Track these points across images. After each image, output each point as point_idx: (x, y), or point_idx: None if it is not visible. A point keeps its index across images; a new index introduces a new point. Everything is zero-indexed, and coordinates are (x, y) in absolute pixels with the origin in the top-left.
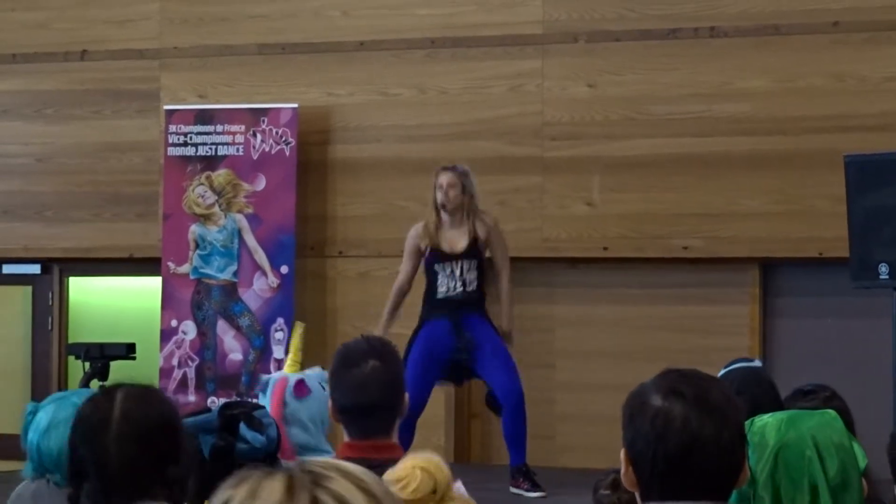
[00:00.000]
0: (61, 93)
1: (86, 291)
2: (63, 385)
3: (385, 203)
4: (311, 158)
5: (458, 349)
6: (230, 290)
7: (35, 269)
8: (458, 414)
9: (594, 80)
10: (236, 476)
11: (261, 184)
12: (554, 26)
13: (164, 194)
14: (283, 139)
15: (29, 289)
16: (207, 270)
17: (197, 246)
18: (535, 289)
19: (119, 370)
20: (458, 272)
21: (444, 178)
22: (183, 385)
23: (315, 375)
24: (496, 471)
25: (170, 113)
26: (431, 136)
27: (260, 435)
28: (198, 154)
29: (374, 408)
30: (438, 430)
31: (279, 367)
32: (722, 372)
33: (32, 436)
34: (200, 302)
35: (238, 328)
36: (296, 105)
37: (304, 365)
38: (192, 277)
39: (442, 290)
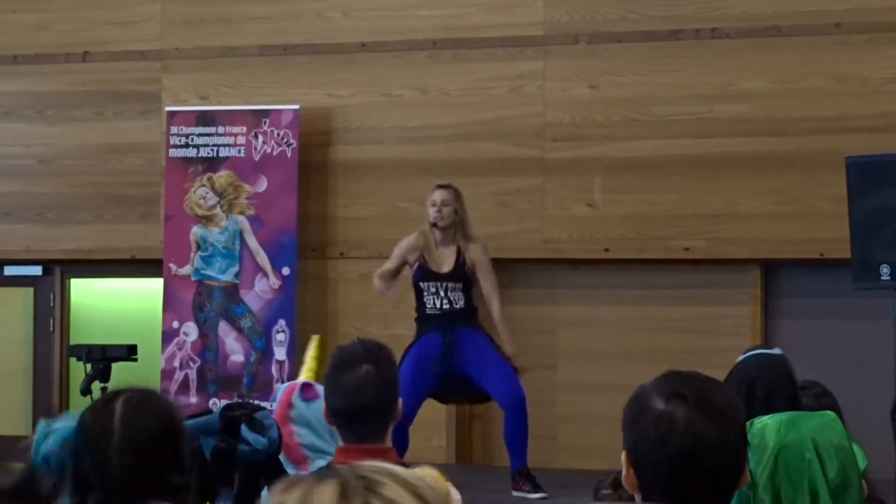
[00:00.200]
0: (63, 94)
1: (87, 293)
2: (65, 387)
3: (386, 204)
4: (313, 160)
5: (446, 363)
6: (232, 291)
7: (36, 270)
8: (460, 415)
9: (595, 81)
10: (285, 481)
11: (262, 185)
12: (555, 27)
13: (166, 196)
14: (285, 140)
15: (30, 290)
16: (209, 272)
17: (198, 247)
18: (536, 290)
19: (120, 372)
20: (442, 291)
21: (439, 195)
22: (184, 386)
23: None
24: (497, 472)
25: (171, 114)
26: (433, 138)
27: (261, 437)
28: (199, 155)
29: (367, 412)
30: (440, 432)
31: (280, 369)
32: (740, 358)
33: (44, 456)
34: (202, 303)
35: (239, 330)
36: (297, 106)
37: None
38: (193, 279)
39: (429, 305)
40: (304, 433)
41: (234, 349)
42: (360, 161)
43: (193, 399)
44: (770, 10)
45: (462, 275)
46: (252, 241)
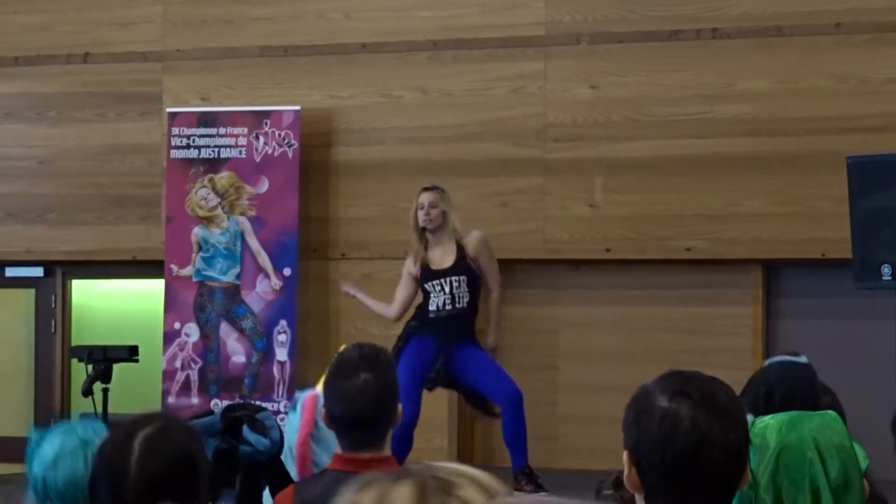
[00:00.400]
0: (64, 95)
1: (89, 294)
2: (66, 388)
3: (388, 205)
4: (314, 160)
5: (439, 370)
6: (233, 292)
7: (38, 271)
8: (461, 416)
9: (596, 81)
10: (359, 480)
11: (263, 186)
12: (556, 28)
13: (167, 197)
14: (286, 141)
15: (32, 291)
16: (210, 273)
17: (200, 248)
18: (537, 290)
19: (122, 373)
20: (447, 288)
21: (426, 198)
22: (186, 387)
23: None
24: (499, 472)
25: (172, 115)
26: (434, 138)
27: (263, 437)
28: (200, 156)
29: (364, 421)
30: (441, 432)
31: (282, 370)
32: (765, 363)
33: (37, 468)
34: (203, 304)
35: (241, 330)
36: (298, 107)
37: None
38: (194, 280)
39: (432, 308)
40: (319, 452)
41: (236, 350)
42: (362, 162)
43: (195, 400)
44: (771, 10)
45: (465, 267)
46: (253, 242)
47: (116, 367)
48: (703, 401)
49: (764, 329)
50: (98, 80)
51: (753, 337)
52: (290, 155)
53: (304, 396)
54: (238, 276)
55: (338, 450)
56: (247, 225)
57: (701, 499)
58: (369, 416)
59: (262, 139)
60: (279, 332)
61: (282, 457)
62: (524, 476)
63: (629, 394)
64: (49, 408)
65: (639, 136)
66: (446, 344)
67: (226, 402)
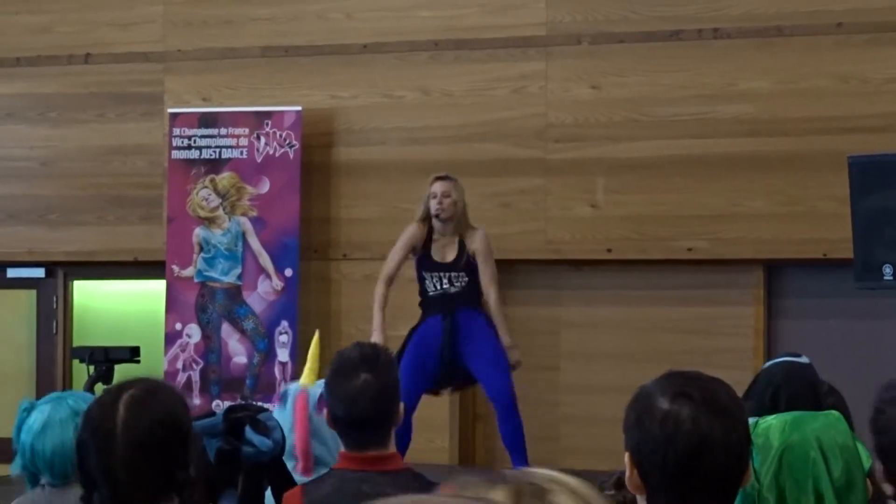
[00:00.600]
0: (65, 96)
1: (90, 295)
2: (67, 388)
3: (389, 205)
4: (315, 161)
5: (446, 343)
6: (234, 293)
7: (39, 272)
8: (463, 416)
9: (597, 81)
10: (454, 483)
11: (265, 187)
12: (557, 28)
13: (168, 197)
14: (287, 142)
15: (33, 292)
16: (212, 273)
17: (201, 249)
18: (539, 291)
19: (123, 374)
20: (445, 281)
21: (440, 187)
22: (187, 388)
23: None
24: None
25: (174, 116)
26: (435, 139)
27: (266, 438)
28: (202, 157)
29: (366, 421)
30: (443, 433)
31: (283, 371)
32: (767, 364)
33: (25, 436)
34: (205, 305)
35: (242, 331)
36: (299, 108)
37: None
38: (196, 280)
39: (431, 290)
40: (317, 445)
41: (237, 351)
42: (363, 162)
43: (196, 401)
44: (771, 10)
45: (466, 265)
46: (255, 243)
47: (118, 368)
48: (704, 401)
49: (765, 329)
50: (99, 80)
51: (755, 337)
52: (292, 155)
53: (293, 393)
54: (239, 277)
55: (342, 448)
56: (248, 225)
57: (702, 499)
58: (370, 416)
59: (263, 140)
60: (280, 333)
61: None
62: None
63: (630, 394)
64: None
65: (640, 136)
66: (451, 314)
67: (227, 403)
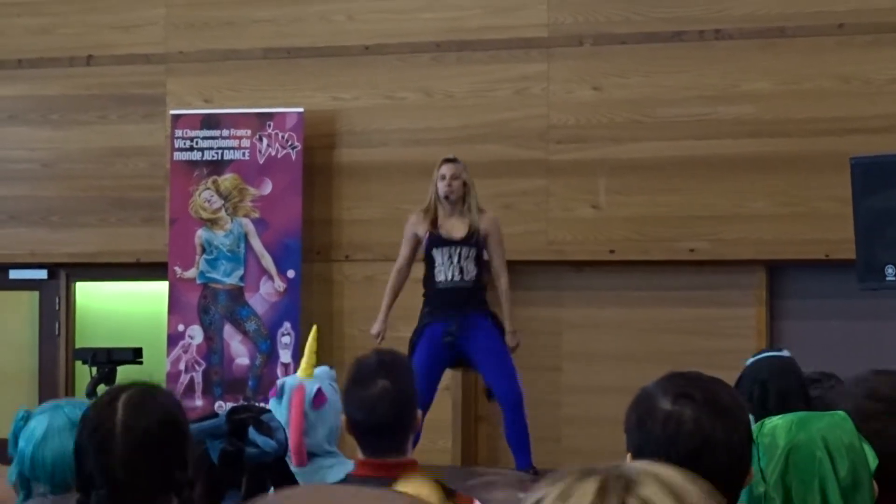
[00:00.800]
0: (67, 98)
1: (92, 296)
2: (70, 390)
3: (391, 207)
4: (317, 162)
5: (455, 352)
6: (237, 294)
7: (42, 274)
8: (465, 417)
9: (599, 82)
10: (554, 475)
11: (267, 188)
12: (559, 29)
13: (171, 199)
14: (289, 143)
15: (35, 294)
16: (214, 275)
17: (203, 250)
18: (540, 292)
19: (126, 375)
20: (455, 258)
21: (448, 169)
22: (190, 389)
23: (325, 376)
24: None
25: (176, 118)
26: (437, 140)
27: (270, 439)
28: (204, 159)
29: (384, 428)
30: (445, 434)
31: (286, 372)
32: (750, 361)
33: (25, 445)
34: (207, 306)
35: (245, 332)
36: (301, 109)
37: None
38: (198, 282)
39: (440, 278)
40: (310, 442)
41: (240, 352)
42: (365, 164)
43: (199, 402)
44: (774, 11)
45: (476, 241)
46: (257, 244)
47: (120, 370)
48: (705, 402)
49: (768, 330)
50: (101, 82)
51: (757, 338)
52: (294, 157)
53: (290, 386)
54: (242, 279)
55: (360, 455)
56: (250, 227)
57: None
58: (388, 422)
59: (265, 141)
60: (283, 334)
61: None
62: (528, 477)
63: (632, 395)
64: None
65: (642, 137)
66: (457, 319)
67: (230, 405)
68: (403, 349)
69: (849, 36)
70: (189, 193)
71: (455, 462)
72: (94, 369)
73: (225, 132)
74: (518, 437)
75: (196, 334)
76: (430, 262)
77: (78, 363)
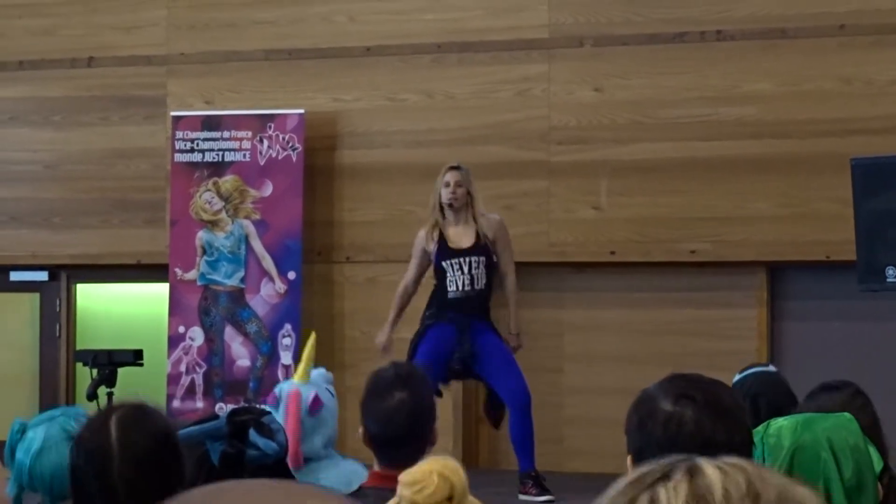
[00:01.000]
0: (68, 99)
1: (93, 298)
2: (71, 392)
3: (392, 208)
4: (318, 164)
5: (460, 358)
6: (237, 296)
7: (43, 275)
8: (466, 418)
9: (601, 84)
10: (636, 472)
11: (268, 190)
12: (560, 30)
13: (172, 200)
14: (290, 145)
15: (37, 295)
16: (215, 276)
17: (204, 252)
18: (542, 293)
19: (127, 377)
20: (465, 267)
21: (452, 177)
22: (191, 391)
23: (321, 380)
24: (504, 475)
25: (177, 119)
26: (438, 141)
27: (271, 441)
28: (205, 160)
29: (401, 440)
30: (447, 435)
31: (287, 374)
32: (737, 377)
33: (22, 457)
34: (208, 308)
35: (245, 334)
36: (302, 111)
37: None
38: (199, 283)
39: (452, 288)
40: (307, 443)
41: (241, 354)
42: (366, 165)
43: (199, 404)
44: (775, 12)
45: (484, 248)
46: (258, 246)
47: (121, 371)
48: (706, 404)
49: (769, 331)
50: (102, 83)
51: (759, 339)
52: (295, 158)
53: (286, 392)
54: (242, 280)
55: (375, 466)
56: (251, 228)
57: None
58: (405, 434)
59: (266, 143)
60: (283, 336)
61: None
62: (530, 480)
63: (634, 396)
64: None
65: (643, 138)
66: (466, 327)
67: (231, 406)
68: (404, 350)
69: (850, 37)
70: (190, 195)
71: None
72: (95, 371)
73: (226, 134)
74: (523, 438)
75: (197, 336)
76: (441, 274)
77: (79, 365)
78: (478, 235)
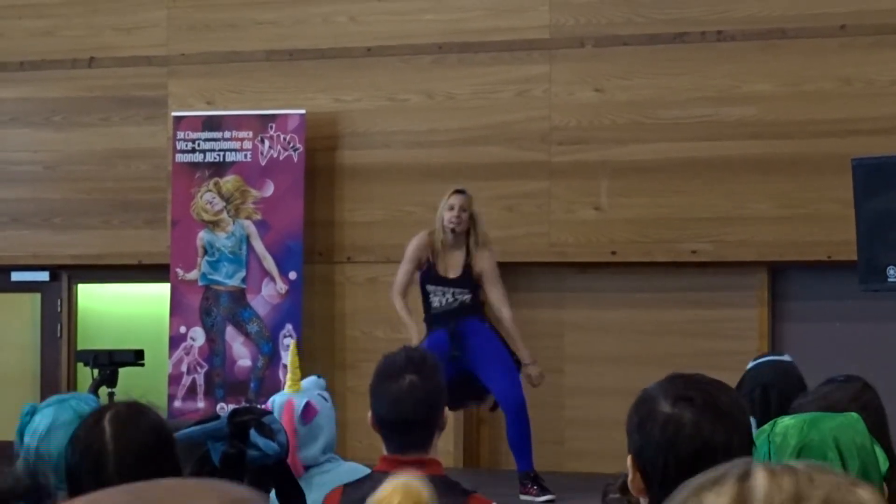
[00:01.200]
0: (69, 100)
1: (94, 298)
2: (72, 392)
3: (393, 208)
4: (319, 164)
5: (454, 356)
6: (239, 296)
7: (44, 276)
8: (467, 419)
9: (601, 84)
10: (706, 475)
11: (269, 190)
12: (561, 31)
13: (173, 201)
14: (291, 145)
15: (38, 296)
16: (216, 277)
17: (205, 252)
18: (543, 294)
19: (128, 377)
20: (449, 296)
21: (457, 200)
22: (192, 391)
23: (314, 387)
24: (505, 476)
25: (178, 119)
26: (439, 142)
27: (271, 442)
28: (206, 160)
29: (410, 424)
30: (447, 436)
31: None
32: (751, 364)
33: (30, 440)
34: (209, 308)
35: (247, 334)
36: (303, 111)
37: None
38: (200, 284)
39: (435, 304)
40: (303, 455)
41: (242, 354)
42: (367, 165)
43: (201, 404)
44: (776, 12)
45: (469, 282)
46: (259, 246)
47: (122, 372)
48: (705, 405)
49: (770, 332)
50: (103, 84)
51: (760, 339)
52: (296, 159)
53: (279, 403)
54: (244, 280)
55: (384, 451)
56: (252, 229)
57: None
58: (416, 418)
59: (267, 143)
60: (285, 336)
61: None
62: (529, 480)
63: (635, 397)
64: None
65: (644, 139)
66: (457, 326)
67: (232, 406)
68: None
69: (851, 37)
70: (191, 195)
71: (457, 464)
72: (96, 371)
73: (227, 134)
74: (520, 440)
75: (198, 336)
76: (425, 294)
77: (80, 365)
78: (465, 268)
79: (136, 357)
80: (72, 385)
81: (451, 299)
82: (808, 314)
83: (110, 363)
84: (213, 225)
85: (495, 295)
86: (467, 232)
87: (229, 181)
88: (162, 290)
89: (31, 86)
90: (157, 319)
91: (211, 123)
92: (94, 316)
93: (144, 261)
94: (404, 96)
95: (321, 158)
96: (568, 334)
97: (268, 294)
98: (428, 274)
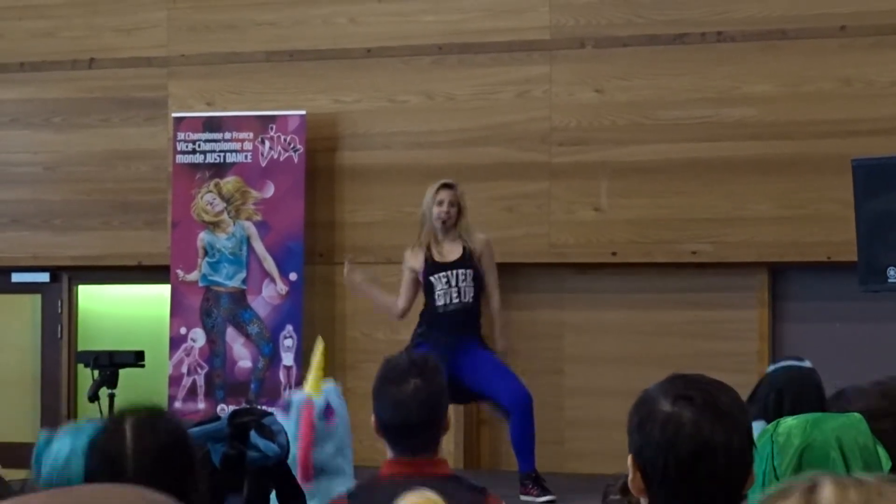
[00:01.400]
0: (69, 101)
1: (95, 299)
2: (72, 394)
3: (393, 209)
4: (320, 165)
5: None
6: (239, 297)
7: (44, 277)
8: (468, 420)
9: (601, 85)
10: (778, 487)
11: (269, 191)
12: (561, 32)
13: (173, 202)
14: (292, 146)
15: (38, 297)
16: (216, 278)
17: (206, 253)
18: (543, 294)
19: (128, 378)
20: (453, 280)
21: (446, 195)
22: (192, 392)
23: (333, 392)
24: (505, 476)
25: (178, 120)
26: (439, 143)
27: (271, 443)
28: (206, 161)
29: (414, 427)
30: (447, 436)
31: (288, 375)
32: (771, 368)
33: (48, 469)
34: (209, 309)
35: (247, 335)
36: (304, 112)
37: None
38: (200, 285)
39: (440, 302)
40: (319, 453)
41: (242, 355)
42: (367, 166)
43: (201, 405)
44: (776, 13)
45: (470, 262)
46: (259, 247)
47: (123, 373)
48: (705, 405)
49: (770, 332)
50: (103, 85)
51: (759, 340)
52: (296, 160)
53: (298, 403)
54: (244, 281)
55: (389, 455)
56: (252, 230)
57: (705, 502)
58: (419, 421)
59: (267, 144)
60: (285, 337)
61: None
62: (530, 480)
63: (635, 397)
64: (55, 413)
65: (644, 139)
66: (454, 343)
67: (232, 408)
68: (383, 317)
69: (851, 38)
70: (191, 196)
71: (458, 465)
72: (97, 372)
73: (227, 135)
74: (524, 439)
75: (198, 337)
76: (429, 289)
77: (80, 366)
78: (464, 250)
79: (137, 358)
80: (72, 386)
81: (454, 289)
82: (808, 315)
83: (111, 364)
84: (214, 226)
85: (489, 280)
86: (458, 223)
87: (230, 182)
88: (162, 292)
89: (32, 87)
90: (157, 321)
91: (211, 124)
92: (95, 317)
93: (145, 262)
94: (404, 97)
95: (321, 159)
96: (568, 335)
97: (268, 295)
98: (427, 267)
